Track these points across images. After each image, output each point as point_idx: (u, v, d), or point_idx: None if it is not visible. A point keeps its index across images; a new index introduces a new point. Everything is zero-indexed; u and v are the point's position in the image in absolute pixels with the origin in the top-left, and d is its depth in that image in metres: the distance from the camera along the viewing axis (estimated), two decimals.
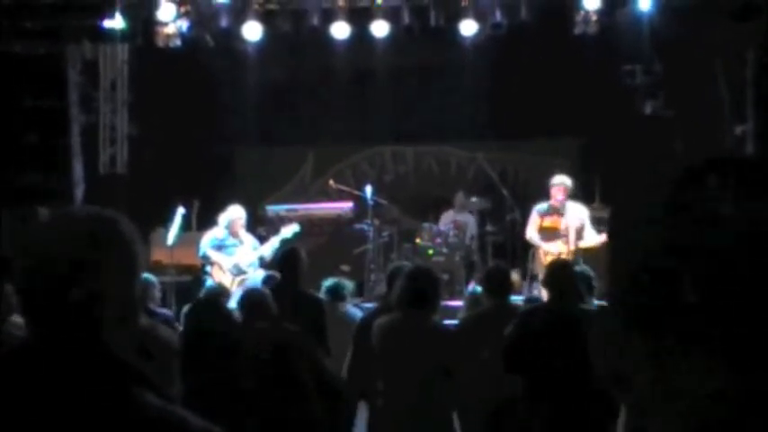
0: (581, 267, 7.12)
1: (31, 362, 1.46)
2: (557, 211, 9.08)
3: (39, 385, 1.43)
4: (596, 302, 6.19)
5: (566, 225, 9.00)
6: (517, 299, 6.57)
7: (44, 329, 1.48)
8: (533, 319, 5.16)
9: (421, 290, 5.16)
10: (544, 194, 9.46)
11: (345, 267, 10.72)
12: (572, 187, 9.18)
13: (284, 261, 6.43)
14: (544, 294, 8.08)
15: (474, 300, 6.52)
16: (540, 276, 8.90)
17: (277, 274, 6.68)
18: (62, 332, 1.47)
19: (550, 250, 8.93)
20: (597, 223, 9.99)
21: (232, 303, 7.67)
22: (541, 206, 9.20)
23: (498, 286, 5.72)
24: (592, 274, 6.40)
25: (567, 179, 9.17)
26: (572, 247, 8.85)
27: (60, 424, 1.41)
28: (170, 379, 2.51)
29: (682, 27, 10.40)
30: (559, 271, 5.33)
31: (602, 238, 9.03)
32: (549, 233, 9.05)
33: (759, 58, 9.52)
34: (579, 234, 9.00)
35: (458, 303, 7.96)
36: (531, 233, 9.20)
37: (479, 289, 6.45)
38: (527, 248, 9.83)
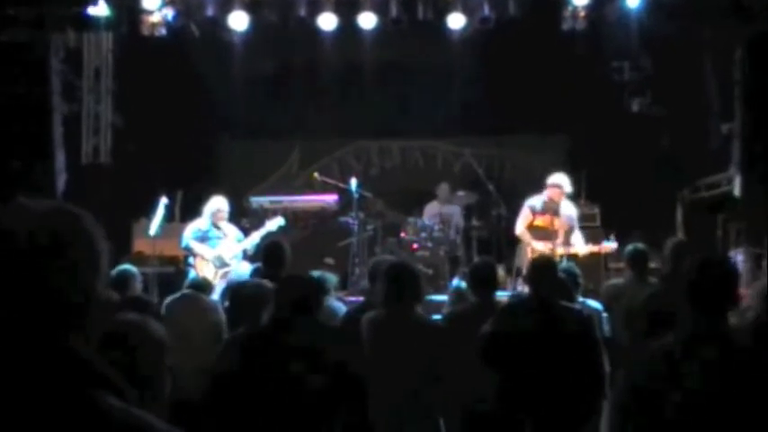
0: (567, 264, 7.10)
1: None
2: (550, 211, 8.95)
3: None
4: (581, 299, 6.18)
5: (557, 226, 8.91)
6: (503, 294, 6.52)
7: (2, 327, 1.41)
8: (513, 315, 5.13)
9: (401, 286, 5.14)
10: (531, 190, 9.41)
11: (329, 260, 10.68)
12: (569, 189, 9.04)
13: (268, 254, 6.38)
14: (522, 290, 8.07)
15: (458, 295, 6.48)
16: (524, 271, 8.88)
17: (261, 267, 6.63)
18: (21, 330, 1.41)
19: (539, 249, 8.83)
20: (583, 220, 9.98)
21: (215, 296, 7.63)
22: (535, 203, 9.03)
23: (484, 281, 5.68)
24: (578, 271, 6.38)
25: (565, 180, 9.02)
26: (561, 251, 8.76)
27: (18, 428, 1.35)
28: (160, 374, 2.45)
29: (670, 24, 10.40)
30: (542, 267, 5.30)
31: (591, 248, 8.97)
32: (540, 232, 8.94)
33: (746, 57, 9.52)
34: (568, 237, 8.94)
35: (442, 298, 7.92)
36: (522, 229, 9.06)
37: (464, 284, 6.42)
38: (512, 244, 9.79)
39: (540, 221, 8.95)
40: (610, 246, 9.01)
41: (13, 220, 1.46)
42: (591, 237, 9.48)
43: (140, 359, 2.26)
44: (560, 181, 8.98)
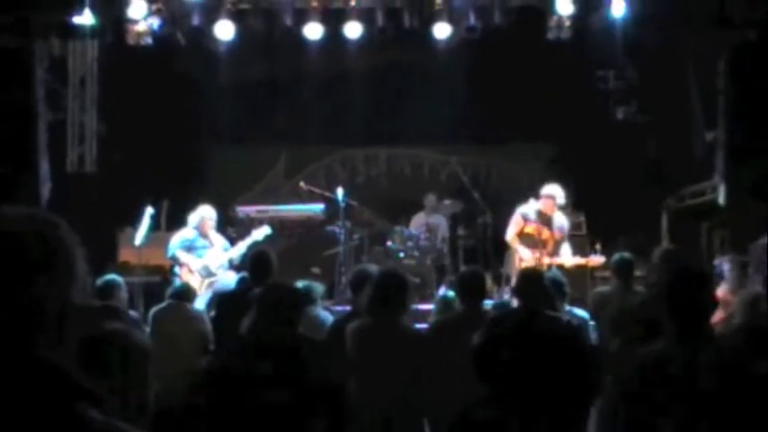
0: (553, 273, 7.12)
1: None
2: (542, 221, 8.95)
3: None
4: (568, 308, 6.19)
5: (547, 236, 8.92)
6: (488, 303, 6.52)
7: None
8: (501, 326, 5.13)
9: (389, 294, 5.13)
10: (516, 198, 9.45)
11: (316, 270, 10.66)
12: (562, 201, 9.06)
13: (254, 263, 6.36)
14: (509, 298, 8.08)
15: (445, 303, 6.48)
16: (513, 279, 8.87)
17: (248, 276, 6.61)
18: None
19: (526, 258, 8.83)
20: (569, 228, 10.00)
21: (200, 304, 7.60)
22: (527, 210, 9.02)
23: (472, 291, 5.67)
24: (564, 279, 6.39)
25: (559, 191, 9.03)
26: (548, 261, 8.77)
27: None
28: (144, 384, 2.43)
29: (654, 33, 10.46)
30: (530, 279, 5.31)
31: (578, 261, 8.99)
32: (530, 240, 8.94)
33: (730, 66, 9.59)
34: (557, 247, 8.94)
35: (429, 307, 7.92)
36: (512, 235, 9.05)
37: (451, 293, 6.41)
38: (499, 252, 9.81)
39: (530, 229, 8.96)
40: (597, 259, 9.05)
41: None
42: (577, 245, 9.51)
43: (124, 368, 2.25)
44: (554, 192, 9.00)
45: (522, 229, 8.96)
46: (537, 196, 9.09)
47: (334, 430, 3.60)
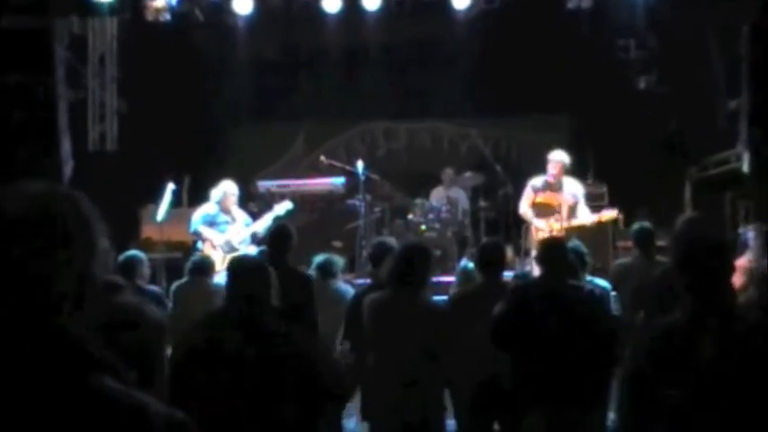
0: (574, 243, 7.08)
1: None
2: (551, 187, 8.99)
3: None
4: (589, 278, 6.17)
5: (559, 202, 8.93)
6: (508, 275, 6.51)
7: None
8: (525, 295, 5.12)
9: (412, 267, 5.12)
10: (537, 170, 9.39)
11: (337, 243, 10.69)
12: (569, 163, 9.08)
13: (273, 238, 6.38)
14: (535, 270, 8.07)
15: (465, 275, 6.47)
16: (534, 252, 8.87)
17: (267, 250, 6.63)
18: (17, 312, 1.40)
19: (541, 227, 8.86)
20: (591, 199, 9.96)
21: (219, 279, 7.64)
22: (536, 181, 9.09)
23: (491, 262, 5.67)
24: (585, 249, 6.36)
25: (564, 155, 9.06)
26: (564, 225, 8.79)
27: (13, 411, 1.35)
28: (156, 359, 2.45)
29: (676, 1, 10.31)
30: (552, 248, 5.28)
31: (595, 216, 8.98)
32: (543, 209, 8.98)
33: (752, 33, 9.44)
34: (572, 211, 8.94)
35: (450, 279, 7.92)
36: (525, 208, 9.11)
37: (471, 264, 6.40)
38: (520, 224, 9.78)
39: (541, 198, 8.98)
40: (609, 213, 9.05)
41: (9, 201, 1.45)
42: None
43: (138, 342, 2.27)
44: (559, 157, 9.00)
45: (534, 200, 8.99)
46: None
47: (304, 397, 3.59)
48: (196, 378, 3.43)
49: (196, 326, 3.86)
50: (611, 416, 4.86)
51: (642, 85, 11.54)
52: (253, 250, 8.55)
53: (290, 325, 3.78)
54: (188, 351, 3.60)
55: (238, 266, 3.95)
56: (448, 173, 11.51)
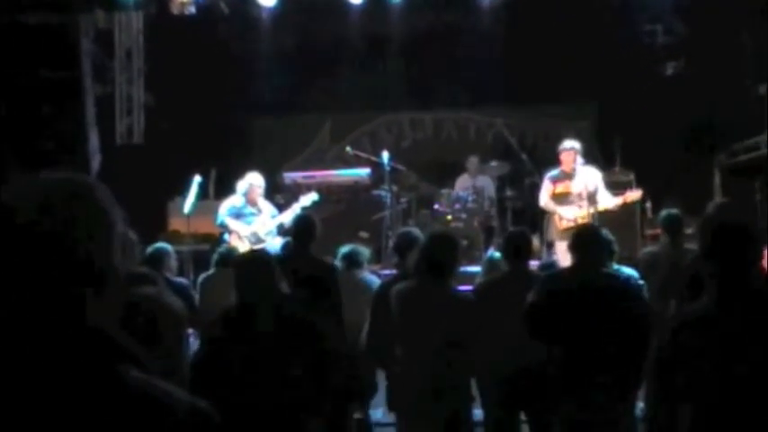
0: (602, 232, 7.03)
1: (6, 337, 1.40)
2: (568, 177, 8.93)
3: (16, 362, 1.38)
4: (616, 267, 6.12)
5: (578, 190, 8.87)
6: (533, 264, 6.47)
7: (21, 302, 1.42)
8: (558, 283, 5.07)
9: (439, 257, 5.10)
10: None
11: (364, 234, 10.69)
12: (581, 150, 9.00)
13: (297, 228, 6.38)
14: (560, 259, 8.03)
15: (491, 264, 6.44)
16: (556, 242, 8.82)
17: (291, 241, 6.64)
18: (37, 303, 1.41)
19: (566, 216, 8.81)
20: (617, 187, 9.90)
21: None
22: (553, 172, 9.03)
23: (517, 251, 5.64)
24: (612, 238, 6.31)
25: (575, 143, 9.00)
26: (587, 212, 8.72)
27: (39, 404, 1.36)
28: (176, 346, 2.46)
29: None
30: (586, 236, 5.22)
31: (618, 200, 8.92)
32: (562, 198, 8.92)
33: None
34: (592, 198, 8.87)
35: (476, 269, 7.89)
36: (546, 200, 9.05)
37: (497, 254, 6.38)
38: (546, 213, 9.73)
39: (560, 189, 8.94)
40: (634, 194, 8.98)
41: (27, 192, 1.46)
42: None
43: (156, 331, 2.28)
44: (570, 144, 8.93)
45: (553, 191, 8.94)
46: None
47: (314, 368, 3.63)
48: (218, 367, 3.46)
49: (216, 319, 3.94)
50: (640, 405, 4.83)
51: (669, 71, 11.45)
52: (279, 241, 8.58)
53: (309, 315, 3.86)
54: (210, 341, 3.64)
55: (242, 261, 4.13)
56: (473, 161, 11.46)
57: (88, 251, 1.44)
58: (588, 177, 8.93)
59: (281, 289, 4.00)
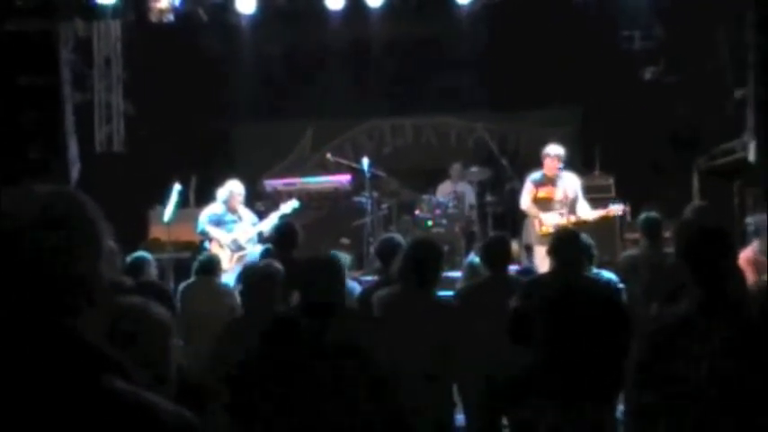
0: (582, 236, 7.06)
1: None
2: (551, 181, 8.95)
3: (2, 372, 1.37)
4: (596, 271, 6.15)
5: (559, 197, 8.90)
6: (511, 269, 6.49)
7: (6, 312, 1.42)
8: (540, 288, 5.09)
9: (423, 263, 5.10)
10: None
11: (345, 240, 10.69)
12: (565, 155, 9.03)
13: (278, 235, 6.39)
14: (539, 264, 8.05)
15: (472, 270, 6.46)
16: (535, 246, 8.85)
17: (272, 248, 6.64)
18: (27, 314, 1.41)
19: (547, 222, 8.82)
20: (596, 191, 9.95)
21: (230, 279, 7.66)
22: (536, 176, 9.02)
23: (496, 256, 5.66)
24: (591, 242, 6.34)
25: (559, 148, 9.01)
26: (573, 218, 8.74)
27: (23, 414, 1.36)
28: (164, 357, 2.44)
29: None
30: (566, 240, 5.24)
31: (599, 213, 8.94)
32: (544, 203, 8.94)
33: (759, 20, 9.39)
34: (572, 205, 8.91)
35: (457, 274, 7.91)
36: (527, 203, 9.04)
37: (477, 259, 6.39)
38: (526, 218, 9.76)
39: (542, 193, 8.94)
40: (616, 208, 9.02)
41: (15, 202, 1.46)
42: (604, 208, 9.44)
43: (142, 342, 2.27)
44: (554, 151, 8.95)
45: (535, 194, 8.94)
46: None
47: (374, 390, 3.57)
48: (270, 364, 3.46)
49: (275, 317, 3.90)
50: (620, 407, 4.85)
51: (648, 76, 11.51)
52: (259, 249, 8.57)
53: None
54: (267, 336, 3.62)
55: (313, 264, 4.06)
56: (456, 167, 11.49)
57: (76, 263, 1.44)
58: (569, 184, 8.96)
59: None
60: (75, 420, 1.37)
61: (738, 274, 4.19)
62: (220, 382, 3.92)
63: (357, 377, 3.47)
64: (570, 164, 9.33)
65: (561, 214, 8.80)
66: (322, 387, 3.40)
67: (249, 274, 5.04)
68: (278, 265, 5.05)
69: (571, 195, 8.90)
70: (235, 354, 3.84)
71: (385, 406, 3.51)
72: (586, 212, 8.90)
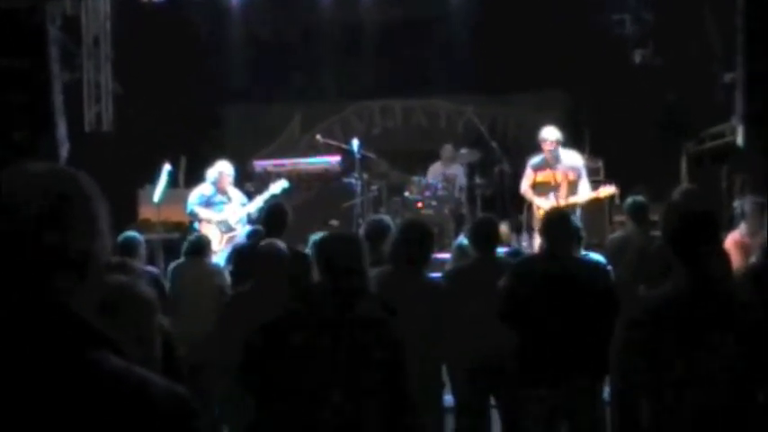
0: (571, 217, 7.09)
1: None
2: (549, 165, 8.93)
3: None
4: (583, 253, 6.19)
5: (560, 179, 8.88)
6: (501, 251, 6.52)
7: (6, 290, 1.43)
8: (529, 268, 5.13)
9: (414, 245, 5.13)
10: (533, 146, 9.37)
11: (334, 222, 10.70)
12: (561, 137, 9.02)
13: (268, 216, 6.39)
14: (527, 246, 8.08)
15: (461, 251, 6.49)
16: (536, 230, 8.86)
17: (261, 229, 6.64)
18: (17, 291, 1.42)
19: (542, 206, 8.81)
20: (587, 174, 9.96)
21: (220, 259, 7.67)
22: (535, 160, 8.98)
23: (484, 238, 5.69)
24: (580, 224, 6.39)
25: (555, 130, 8.99)
26: (563, 202, 8.74)
27: (12, 390, 1.37)
28: (149, 335, 2.46)
29: None
30: (556, 220, 5.27)
31: (593, 193, 8.96)
32: (543, 187, 8.92)
33: (748, 4, 9.41)
34: (573, 186, 8.87)
35: (446, 256, 7.94)
36: (525, 188, 9.03)
37: (466, 241, 6.42)
38: (516, 201, 9.78)
39: (541, 177, 8.92)
40: (608, 190, 9.03)
41: (11, 181, 1.47)
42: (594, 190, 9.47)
43: (127, 320, 2.28)
44: (551, 134, 8.92)
45: (534, 179, 8.94)
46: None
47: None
48: (291, 342, 3.44)
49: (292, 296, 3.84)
50: (607, 389, 4.90)
51: (638, 59, 11.53)
52: (248, 229, 8.57)
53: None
54: (283, 317, 3.60)
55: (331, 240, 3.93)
56: (447, 149, 11.49)
57: (70, 239, 1.45)
58: (570, 165, 8.91)
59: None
60: (69, 396, 1.38)
61: (723, 256, 4.22)
62: (227, 361, 3.90)
63: (376, 348, 3.49)
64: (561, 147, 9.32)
65: (556, 197, 8.78)
66: (344, 362, 3.41)
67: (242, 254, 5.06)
68: (281, 244, 5.08)
69: (573, 176, 8.87)
70: (244, 332, 3.78)
71: (397, 378, 3.54)
72: (584, 193, 8.88)
